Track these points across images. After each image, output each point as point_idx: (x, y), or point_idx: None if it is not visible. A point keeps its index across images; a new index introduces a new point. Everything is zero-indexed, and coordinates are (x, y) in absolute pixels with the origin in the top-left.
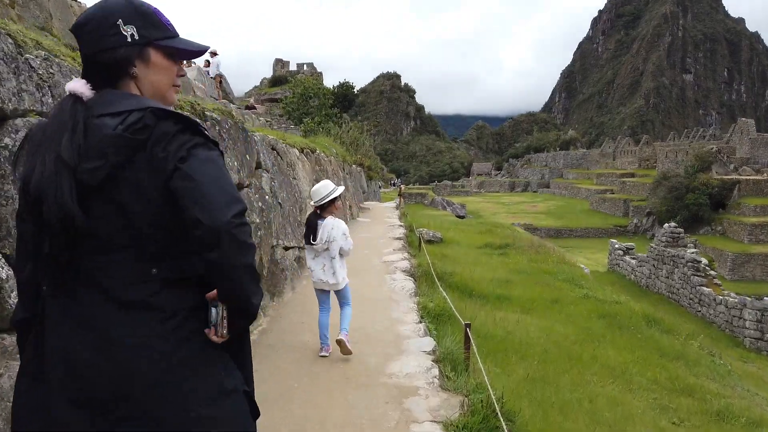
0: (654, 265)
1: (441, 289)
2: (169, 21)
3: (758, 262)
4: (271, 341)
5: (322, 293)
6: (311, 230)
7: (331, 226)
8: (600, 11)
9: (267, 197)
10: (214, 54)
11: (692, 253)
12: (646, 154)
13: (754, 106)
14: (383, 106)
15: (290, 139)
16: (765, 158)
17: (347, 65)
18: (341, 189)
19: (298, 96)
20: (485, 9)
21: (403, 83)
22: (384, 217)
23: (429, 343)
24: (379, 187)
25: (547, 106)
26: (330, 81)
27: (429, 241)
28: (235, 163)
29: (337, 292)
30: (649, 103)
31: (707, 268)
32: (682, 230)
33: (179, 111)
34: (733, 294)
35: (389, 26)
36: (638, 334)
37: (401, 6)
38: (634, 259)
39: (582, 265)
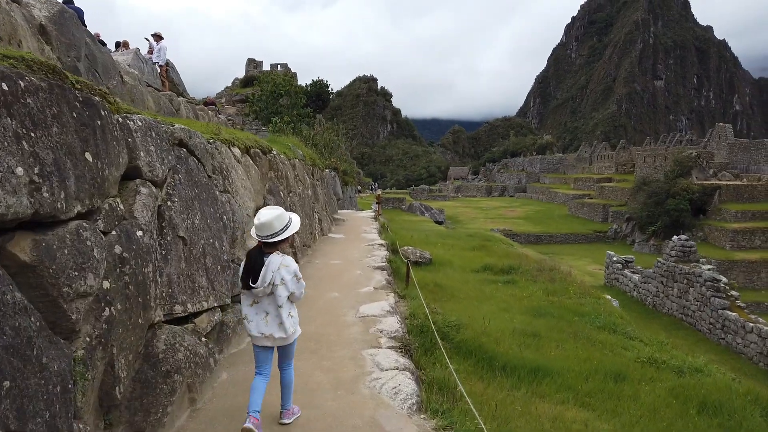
0: (663, 282)
1: (468, 399)
2: None
3: (741, 269)
4: None
5: (263, 351)
6: (253, 270)
7: (278, 265)
8: (573, 18)
9: (140, 233)
10: (159, 38)
11: (709, 269)
12: (622, 158)
13: (723, 112)
14: (359, 110)
15: (228, 133)
16: (743, 163)
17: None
18: (297, 220)
19: (268, 94)
20: (461, 13)
21: (379, 87)
22: (361, 232)
23: None
24: (357, 192)
25: (522, 111)
26: (305, 83)
27: (416, 263)
28: (20, 170)
29: (282, 348)
30: (622, 108)
31: (728, 287)
32: (694, 243)
33: None
34: (761, 320)
35: (366, 29)
36: None
37: (378, 9)
38: (636, 273)
39: (609, 296)
